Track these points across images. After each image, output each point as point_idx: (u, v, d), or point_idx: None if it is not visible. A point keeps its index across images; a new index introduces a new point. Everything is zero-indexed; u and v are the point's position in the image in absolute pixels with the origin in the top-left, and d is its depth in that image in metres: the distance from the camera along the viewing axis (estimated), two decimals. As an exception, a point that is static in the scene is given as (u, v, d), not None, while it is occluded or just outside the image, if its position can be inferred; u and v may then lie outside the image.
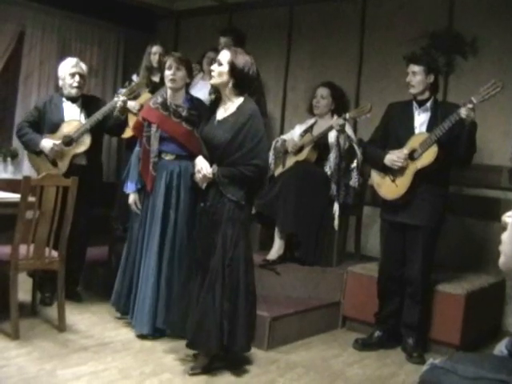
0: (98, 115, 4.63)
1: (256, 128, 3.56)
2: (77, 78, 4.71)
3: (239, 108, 3.59)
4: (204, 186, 3.65)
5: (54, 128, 4.70)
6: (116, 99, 4.63)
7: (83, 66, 4.81)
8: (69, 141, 4.63)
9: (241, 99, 3.63)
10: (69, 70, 4.72)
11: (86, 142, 4.66)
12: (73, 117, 4.74)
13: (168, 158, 4.15)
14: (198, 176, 3.64)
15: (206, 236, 3.61)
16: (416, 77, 4.15)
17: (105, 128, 4.77)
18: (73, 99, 4.77)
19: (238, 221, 3.54)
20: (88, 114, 4.73)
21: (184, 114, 4.13)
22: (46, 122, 4.74)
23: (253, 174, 3.52)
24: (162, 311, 4.06)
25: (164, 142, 4.14)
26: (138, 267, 4.19)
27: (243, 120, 3.54)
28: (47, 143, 4.60)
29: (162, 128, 4.12)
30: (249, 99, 3.66)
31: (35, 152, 4.70)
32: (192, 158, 3.93)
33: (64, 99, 4.77)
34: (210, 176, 3.57)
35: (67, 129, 4.67)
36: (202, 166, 3.61)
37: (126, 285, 4.25)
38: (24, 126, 4.72)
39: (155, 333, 4.09)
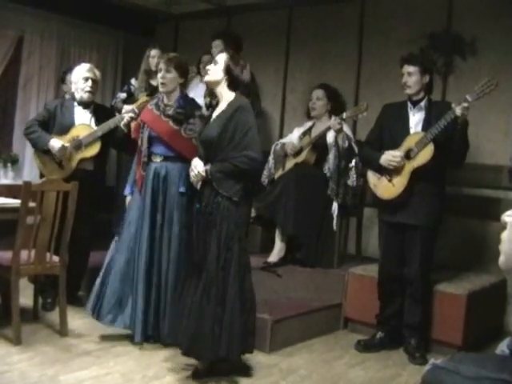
0: (111, 123, 4.65)
1: (244, 120, 3.56)
2: (89, 82, 4.73)
3: (229, 104, 3.63)
4: (199, 185, 3.65)
5: (63, 130, 4.71)
6: (127, 114, 4.62)
7: (97, 73, 4.85)
8: (78, 144, 4.65)
9: (232, 95, 3.66)
10: (83, 74, 4.74)
11: (94, 148, 4.68)
12: (83, 122, 4.76)
13: (156, 159, 4.15)
14: (192, 174, 3.65)
15: (202, 237, 3.59)
16: (412, 77, 4.16)
17: (112, 142, 4.76)
18: (84, 104, 4.78)
19: (233, 221, 3.52)
20: (98, 121, 4.75)
21: (170, 112, 4.13)
22: (55, 124, 4.75)
23: (245, 165, 3.51)
24: (151, 318, 4.03)
25: (154, 144, 4.15)
26: (127, 271, 4.13)
27: (230, 113, 3.57)
28: (56, 143, 4.61)
29: (150, 127, 4.13)
30: (240, 95, 3.69)
31: (43, 151, 4.71)
32: (179, 159, 3.93)
33: (76, 104, 4.79)
34: (203, 174, 3.57)
35: (77, 132, 4.68)
36: (196, 165, 3.62)
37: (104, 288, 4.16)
38: (34, 125, 4.73)
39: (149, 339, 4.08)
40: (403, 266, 4.26)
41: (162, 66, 4.12)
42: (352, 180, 4.90)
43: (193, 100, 4.31)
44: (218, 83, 3.65)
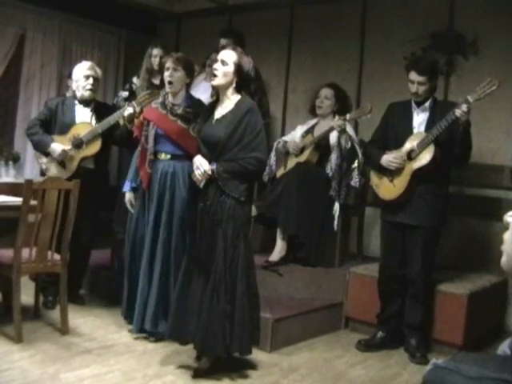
0: (110, 120, 4.63)
1: (254, 122, 3.57)
2: (91, 80, 4.73)
3: (237, 104, 3.61)
4: (202, 184, 3.63)
5: (64, 129, 4.71)
6: (125, 108, 4.60)
7: (98, 70, 4.85)
8: (79, 143, 4.64)
9: (238, 96, 3.65)
10: (84, 72, 4.74)
11: (95, 146, 4.67)
12: (84, 120, 4.75)
13: (163, 157, 4.14)
14: (197, 173, 3.60)
15: (207, 236, 3.59)
16: (423, 87, 4.10)
17: (112, 138, 4.76)
18: (85, 102, 4.78)
19: (239, 220, 3.54)
20: (99, 119, 4.73)
21: (179, 111, 4.12)
22: (56, 122, 4.75)
23: (254, 167, 3.52)
24: (150, 314, 4.04)
25: (160, 141, 4.13)
26: (131, 268, 4.20)
27: (241, 115, 3.55)
28: (57, 147, 4.60)
29: (157, 125, 4.12)
30: (246, 96, 3.68)
31: (44, 153, 4.71)
32: (187, 157, 3.92)
33: (77, 102, 4.79)
34: (209, 172, 3.55)
35: (78, 131, 4.67)
36: (201, 163, 3.59)
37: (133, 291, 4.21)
38: (35, 125, 4.73)
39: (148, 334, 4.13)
40: (404, 266, 4.25)
41: (169, 65, 4.10)
42: (355, 181, 4.89)
43: (198, 100, 4.30)
44: (227, 86, 3.62)
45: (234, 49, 3.70)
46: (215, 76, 3.59)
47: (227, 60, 3.59)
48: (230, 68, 3.58)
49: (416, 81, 4.12)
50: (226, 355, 3.59)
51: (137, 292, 4.13)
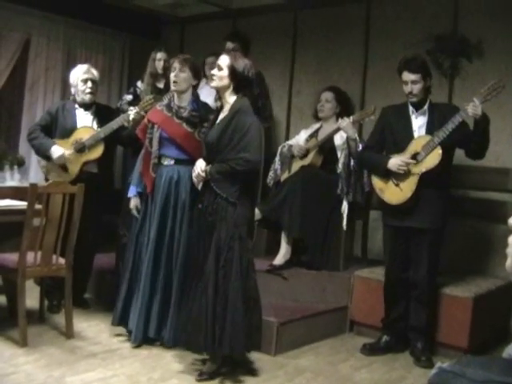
0: (113, 125, 4.62)
1: (243, 122, 3.58)
2: (89, 83, 4.73)
3: (231, 107, 3.66)
4: (200, 186, 3.71)
5: (66, 134, 4.71)
6: (130, 112, 4.61)
7: (94, 72, 4.83)
8: (81, 147, 4.65)
9: (234, 98, 3.68)
10: (80, 76, 4.73)
11: (98, 150, 4.67)
12: (85, 124, 4.75)
13: (167, 162, 4.13)
14: (193, 175, 3.71)
15: (203, 238, 3.63)
16: (417, 85, 4.10)
17: (118, 139, 4.76)
18: (86, 106, 4.78)
19: (232, 222, 3.54)
20: (100, 122, 4.74)
21: (185, 114, 4.11)
22: (57, 127, 4.75)
23: (241, 167, 3.54)
24: (154, 321, 4.03)
25: (164, 145, 4.12)
26: (133, 274, 4.16)
27: (229, 116, 3.61)
28: (57, 150, 4.61)
29: (162, 128, 4.10)
30: (241, 97, 3.69)
31: (46, 156, 4.71)
32: (191, 162, 3.93)
33: (77, 106, 4.79)
34: (203, 174, 3.62)
35: (80, 135, 4.67)
36: (197, 165, 3.67)
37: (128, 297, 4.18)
38: (36, 130, 4.73)
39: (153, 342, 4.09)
40: (408, 270, 4.24)
41: (175, 65, 4.09)
42: (366, 180, 4.91)
43: (205, 103, 4.30)
44: (224, 89, 3.67)
45: (228, 53, 3.77)
46: (213, 80, 3.68)
47: (222, 65, 3.66)
48: (225, 72, 3.64)
49: (409, 80, 4.11)
50: (219, 356, 3.58)
51: (134, 297, 4.11)
